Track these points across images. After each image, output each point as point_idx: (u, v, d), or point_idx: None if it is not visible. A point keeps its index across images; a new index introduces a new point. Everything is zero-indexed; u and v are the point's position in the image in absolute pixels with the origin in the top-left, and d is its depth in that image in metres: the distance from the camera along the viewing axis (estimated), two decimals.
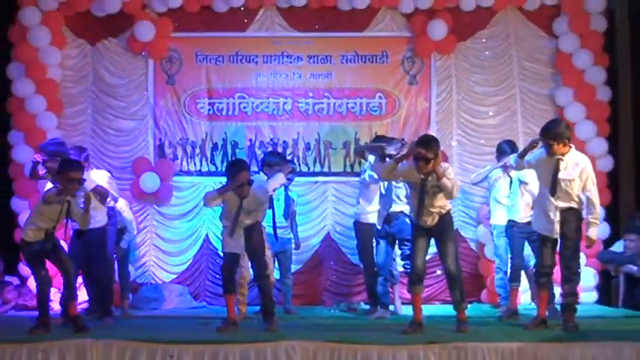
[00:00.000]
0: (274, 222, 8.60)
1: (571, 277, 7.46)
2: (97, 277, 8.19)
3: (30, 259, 7.42)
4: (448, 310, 8.08)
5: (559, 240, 7.40)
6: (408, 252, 8.35)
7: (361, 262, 9.13)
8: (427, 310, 8.17)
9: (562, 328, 7.33)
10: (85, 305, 8.68)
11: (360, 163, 10.18)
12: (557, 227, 7.36)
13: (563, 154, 7.36)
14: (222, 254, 7.98)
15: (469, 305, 8.14)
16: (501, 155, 8.77)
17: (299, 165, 10.29)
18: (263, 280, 7.65)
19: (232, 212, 7.47)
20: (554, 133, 7.35)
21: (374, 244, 8.73)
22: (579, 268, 7.59)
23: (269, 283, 7.78)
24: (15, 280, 9.82)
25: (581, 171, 7.38)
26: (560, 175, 7.32)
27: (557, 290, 8.20)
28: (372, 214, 8.76)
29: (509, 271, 8.76)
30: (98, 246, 8.08)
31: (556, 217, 7.35)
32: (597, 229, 7.52)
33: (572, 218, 7.36)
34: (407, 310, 8.65)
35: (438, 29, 10.19)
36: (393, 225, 8.42)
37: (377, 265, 8.70)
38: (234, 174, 7.43)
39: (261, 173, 8.75)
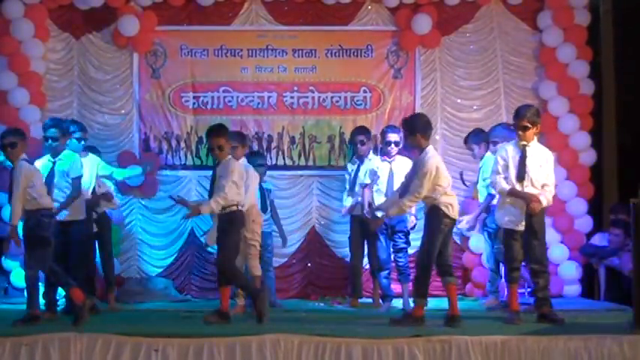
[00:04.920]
0: None
1: (543, 269, 7.55)
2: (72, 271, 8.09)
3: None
4: (433, 303, 8.13)
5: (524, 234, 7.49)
6: (402, 245, 8.43)
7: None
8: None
9: (544, 322, 7.38)
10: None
11: (344, 157, 10.23)
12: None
13: (528, 141, 7.49)
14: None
15: None
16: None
17: (284, 159, 10.32)
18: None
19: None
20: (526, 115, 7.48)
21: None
22: (547, 260, 7.72)
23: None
24: None
25: (546, 160, 7.50)
26: (527, 163, 7.44)
27: None
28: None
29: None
30: (77, 240, 8.07)
31: (523, 208, 7.43)
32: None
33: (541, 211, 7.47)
34: (396, 303, 8.84)
35: (423, 23, 10.20)
36: (392, 217, 8.52)
37: (380, 260, 8.77)
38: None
39: None
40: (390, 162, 8.72)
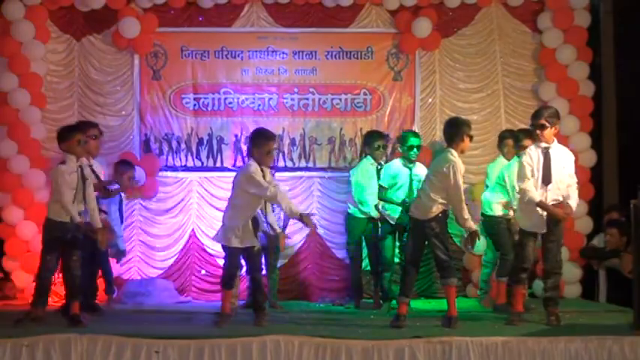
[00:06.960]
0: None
1: (556, 270, 7.53)
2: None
3: (45, 241, 7.46)
4: (434, 304, 8.15)
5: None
6: None
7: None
8: (413, 304, 8.26)
9: (545, 322, 7.40)
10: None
11: (344, 159, 10.25)
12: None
13: (549, 142, 7.47)
14: (227, 249, 7.59)
15: None
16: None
17: (284, 160, 10.33)
18: (258, 273, 7.66)
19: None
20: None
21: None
22: (562, 261, 7.69)
23: (262, 278, 7.79)
24: None
25: (568, 161, 7.48)
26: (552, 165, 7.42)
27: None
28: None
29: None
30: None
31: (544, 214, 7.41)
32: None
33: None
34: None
35: (423, 26, 10.19)
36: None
37: (386, 260, 8.80)
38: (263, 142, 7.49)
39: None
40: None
